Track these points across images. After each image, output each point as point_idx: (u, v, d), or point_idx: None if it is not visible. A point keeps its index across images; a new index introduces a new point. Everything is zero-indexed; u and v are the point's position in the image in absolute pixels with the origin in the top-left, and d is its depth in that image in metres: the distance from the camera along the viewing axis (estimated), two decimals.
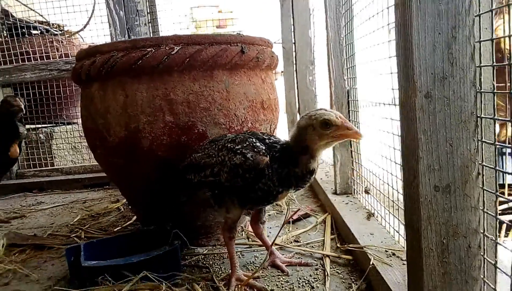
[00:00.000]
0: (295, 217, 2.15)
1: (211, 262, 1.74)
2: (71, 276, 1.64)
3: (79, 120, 4.15)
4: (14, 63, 3.50)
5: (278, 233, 1.42)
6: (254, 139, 1.40)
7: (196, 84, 1.58)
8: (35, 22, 3.77)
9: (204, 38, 1.58)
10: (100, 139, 1.70)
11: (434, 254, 0.93)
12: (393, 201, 1.56)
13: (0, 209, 2.79)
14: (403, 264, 1.37)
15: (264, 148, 1.37)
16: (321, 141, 1.28)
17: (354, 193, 2.15)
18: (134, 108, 1.58)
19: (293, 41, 3.27)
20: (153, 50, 1.53)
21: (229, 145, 1.41)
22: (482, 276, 0.95)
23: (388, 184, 1.60)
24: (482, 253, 0.94)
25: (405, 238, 1.45)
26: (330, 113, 1.26)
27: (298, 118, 1.42)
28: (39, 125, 3.93)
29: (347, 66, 2.01)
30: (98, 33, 3.62)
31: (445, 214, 0.91)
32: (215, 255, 1.82)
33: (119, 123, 1.61)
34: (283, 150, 1.36)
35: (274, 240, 1.36)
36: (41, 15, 3.82)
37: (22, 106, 2.51)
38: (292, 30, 3.25)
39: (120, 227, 2.31)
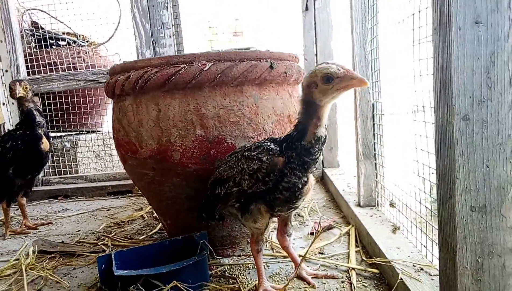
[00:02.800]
0: (318, 228, 2.16)
1: (237, 273, 1.77)
2: (101, 284, 1.69)
3: (103, 129, 4.28)
4: (43, 73, 3.61)
5: (309, 248, 1.44)
6: (268, 143, 1.42)
7: (226, 99, 1.63)
8: (63, 33, 3.89)
9: (235, 55, 1.63)
10: (132, 151, 1.75)
11: (468, 272, 0.95)
12: (420, 216, 1.57)
13: (28, 215, 2.86)
14: (432, 279, 1.37)
15: (278, 148, 1.38)
16: (326, 98, 1.25)
17: (378, 205, 2.16)
18: (166, 122, 1.63)
19: (315, 53, 3.30)
20: (186, 67, 1.58)
21: (246, 153, 1.45)
22: None
23: (415, 198, 1.61)
24: None
25: (433, 253, 1.47)
26: (331, 66, 1.22)
27: None
28: (64, 134, 4.04)
29: (372, 80, 2.03)
30: (124, 45, 3.71)
31: (481, 233, 0.92)
32: (241, 265, 1.84)
33: (151, 137, 1.66)
34: (294, 130, 1.36)
35: (305, 255, 1.39)
36: (69, 27, 3.93)
37: (19, 91, 2.54)
38: (315, 41, 3.28)
39: (145, 235, 2.36)
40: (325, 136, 1.35)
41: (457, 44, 0.82)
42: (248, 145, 1.51)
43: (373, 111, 2.07)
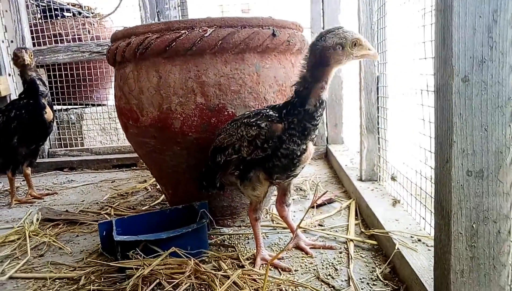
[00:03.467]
0: (319, 201, 2.17)
1: (236, 242, 1.78)
2: (102, 250, 1.72)
3: (108, 102, 4.28)
4: (48, 45, 3.60)
5: (304, 215, 1.45)
6: (267, 110, 1.42)
7: (227, 67, 1.61)
8: (68, 4, 3.85)
9: (236, 21, 1.60)
10: (133, 119, 1.75)
11: (463, 238, 0.94)
12: (420, 188, 1.56)
13: (34, 185, 2.90)
14: (429, 249, 1.37)
15: (277, 115, 1.38)
16: (344, 62, 1.27)
17: (379, 180, 2.15)
18: (167, 90, 1.62)
19: (322, 26, 3.24)
20: (187, 33, 1.56)
21: (245, 120, 1.45)
22: (510, 262, 0.95)
23: (415, 170, 1.60)
24: (511, 239, 0.94)
25: (431, 224, 1.46)
26: (357, 33, 1.27)
27: None
28: (70, 107, 4.05)
29: (378, 51, 1.99)
30: (128, 16, 3.67)
31: (477, 199, 0.91)
32: (240, 235, 1.86)
33: (152, 104, 1.65)
34: (294, 96, 1.35)
35: (300, 222, 1.39)
36: None
37: (26, 58, 2.55)
38: (322, 15, 3.22)
39: (148, 206, 2.39)
40: (326, 100, 1.35)
41: (459, 1, 0.80)
42: (248, 112, 1.50)
43: (377, 84, 2.04)
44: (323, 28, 3.25)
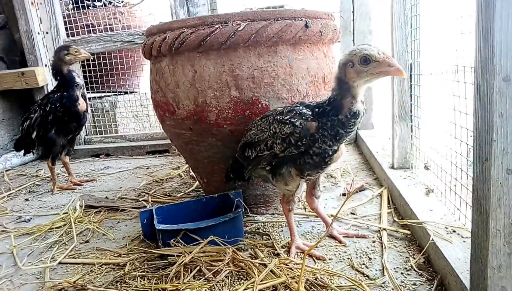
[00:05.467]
0: (351, 189, 2.19)
1: (270, 230, 1.84)
2: (144, 237, 1.80)
3: (140, 90, 4.38)
4: (81, 35, 3.70)
5: (339, 210, 1.47)
6: (301, 107, 1.42)
7: (260, 60, 1.63)
8: None
9: (269, 14, 1.61)
10: (169, 112, 1.80)
11: (501, 234, 0.95)
12: (455, 178, 1.56)
13: (73, 172, 3.03)
14: (464, 241, 1.38)
15: (310, 113, 1.39)
16: (359, 80, 1.24)
17: (412, 168, 2.14)
18: (202, 83, 1.66)
19: (352, 10, 3.19)
20: (221, 27, 1.59)
21: (278, 117, 1.46)
22: None
23: (451, 161, 1.59)
24: None
25: (466, 216, 1.47)
26: (372, 48, 1.20)
27: None
28: (104, 95, 4.17)
29: (411, 38, 1.96)
30: (157, 4, 3.72)
31: None
32: (274, 223, 1.91)
33: (187, 98, 1.70)
34: (327, 104, 1.36)
35: (336, 214, 1.42)
36: None
37: (85, 54, 2.66)
38: None
39: (183, 193, 2.47)
40: (364, 110, 1.33)
41: (501, 1, 0.79)
42: (280, 109, 1.52)
43: (410, 71, 2.01)
44: (352, 12, 3.20)
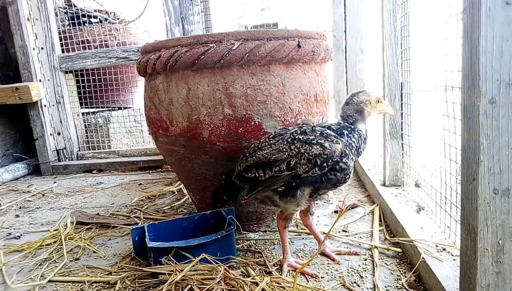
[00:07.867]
0: (343, 207, 2.19)
1: (262, 247, 1.83)
2: (135, 254, 1.79)
3: (134, 106, 4.39)
4: (76, 51, 3.72)
5: (334, 224, 1.48)
6: (324, 128, 1.50)
7: (254, 79, 1.65)
8: (95, 11, 3.96)
9: (263, 34, 1.64)
10: (163, 129, 1.81)
11: (489, 253, 0.96)
12: (445, 196, 1.57)
13: (66, 187, 3.02)
14: (454, 259, 1.39)
15: (334, 134, 1.47)
16: (371, 113, 1.60)
17: (403, 185, 2.16)
18: (195, 101, 1.67)
19: (344, 29, 3.25)
20: (215, 46, 1.61)
21: (300, 137, 1.46)
22: None
23: (440, 179, 1.61)
24: None
25: (456, 234, 1.48)
26: (379, 95, 1.63)
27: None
28: (97, 110, 4.18)
29: (402, 58, 2.01)
30: (153, 22, 3.76)
31: (503, 216, 0.93)
32: (266, 240, 1.91)
33: (181, 115, 1.72)
34: (345, 128, 1.54)
35: (328, 232, 1.43)
36: (100, 4, 4.01)
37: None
38: (344, 18, 3.23)
39: (175, 209, 2.46)
40: (366, 132, 1.60)
41: (486, 25, 0.82)
42: (294, 129, 1.52)
43: (401, 90, 2.05)
44: (344, 31, 3.26)
